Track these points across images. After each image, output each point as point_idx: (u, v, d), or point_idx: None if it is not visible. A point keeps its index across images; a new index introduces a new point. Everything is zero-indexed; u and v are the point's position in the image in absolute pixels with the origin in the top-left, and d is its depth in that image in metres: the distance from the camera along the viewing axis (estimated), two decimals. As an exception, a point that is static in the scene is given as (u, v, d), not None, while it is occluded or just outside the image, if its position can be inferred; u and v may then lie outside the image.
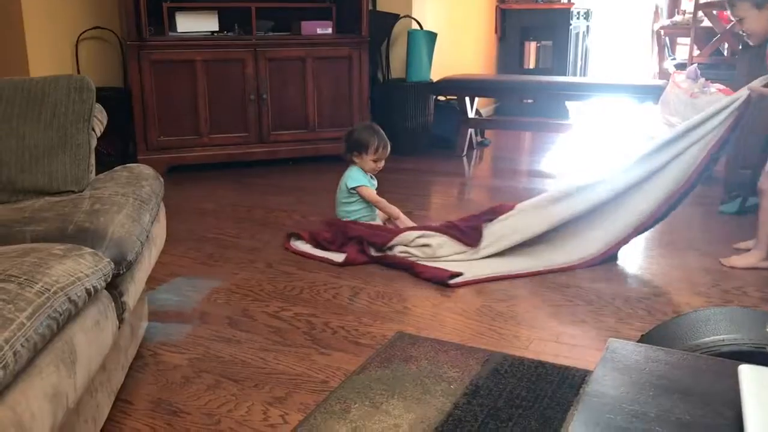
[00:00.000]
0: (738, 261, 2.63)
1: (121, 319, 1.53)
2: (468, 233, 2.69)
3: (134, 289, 1.64)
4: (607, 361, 0.92)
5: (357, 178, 2.91)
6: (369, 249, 2.68)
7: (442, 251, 2.65)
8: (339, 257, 2.65)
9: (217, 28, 4.09)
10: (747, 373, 0.80)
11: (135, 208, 1.69)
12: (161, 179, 2.00)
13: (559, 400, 1.65)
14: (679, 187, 2.59)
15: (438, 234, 2.71)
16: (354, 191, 2.91)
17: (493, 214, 2.76)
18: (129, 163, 2.09)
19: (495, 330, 2.11)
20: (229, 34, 4.13)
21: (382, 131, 2.99)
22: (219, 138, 4.11)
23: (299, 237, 2.85)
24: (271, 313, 2.22)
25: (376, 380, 1.73)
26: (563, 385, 1.72)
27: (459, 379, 1.74)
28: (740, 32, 2.61)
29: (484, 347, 1.94)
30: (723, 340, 1.01)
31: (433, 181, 4.17)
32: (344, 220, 2.91)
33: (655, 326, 1.18)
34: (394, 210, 2.92)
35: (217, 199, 3.60)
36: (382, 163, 2.98)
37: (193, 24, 4.04)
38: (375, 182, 3.01)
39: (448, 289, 2.41)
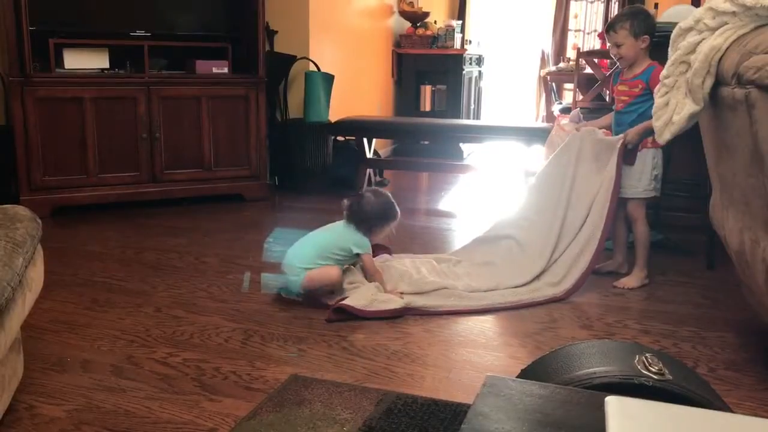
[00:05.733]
0: (629, 282, 2.91)
1: (-13, 372, 1.43)
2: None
3: (4, 338, 1.54)
4: (485, 397, 0.93)
5: (364, 243, 2.75)
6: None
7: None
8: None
9: (107, 66, 3.98)
10: (613, 404, 0.84)
11: (6, 251, 1.59)
12: (39, 221, 1.89)
13: (451, 437, 1.65)
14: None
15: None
16: (358, 254, 2.73)
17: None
18: (11, 203, 1.97)
19: (389, 369, 2.11)
20: (120, 71, 4.03)
21: (392, 199, 2.83)
22: (108, 177, 3.97)
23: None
24: (158, 359, 2.13)
25: (267, 425, 1.68)
26: (454, 422, 1.73)
27: (352, 421, 1.72)
28: (613, 55, 2.88)
29: (378, 387, 1.94)
30: (595, 373, 1.06)
31: (332, 220, 4.15)
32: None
33: (534, 361, 1.22)
34: (383, 281, 2.74)
35: (105, 241, 3.45)
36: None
37: (82, 61, 3.91)
38: None
39: (343, 330, 2.40)
